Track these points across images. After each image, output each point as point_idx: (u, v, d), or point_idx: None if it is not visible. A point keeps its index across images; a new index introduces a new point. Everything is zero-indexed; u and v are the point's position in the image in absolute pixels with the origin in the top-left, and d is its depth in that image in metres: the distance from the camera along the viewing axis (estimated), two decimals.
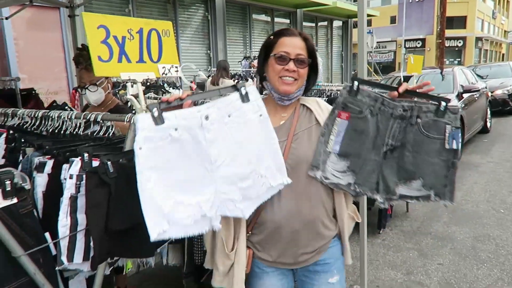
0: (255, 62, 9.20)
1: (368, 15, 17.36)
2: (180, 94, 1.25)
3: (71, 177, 1.23)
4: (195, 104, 1.24)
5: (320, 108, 1.53)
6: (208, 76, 6.54)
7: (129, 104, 3.05)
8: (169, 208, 1.17)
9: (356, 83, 1.36)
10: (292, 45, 1.43)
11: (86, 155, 1.22)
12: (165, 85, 5.18)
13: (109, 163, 1.22)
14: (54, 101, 2.37)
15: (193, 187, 1.22)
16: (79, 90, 2.20)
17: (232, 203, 1.27)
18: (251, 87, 1.27)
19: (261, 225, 1.43)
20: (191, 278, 2.90)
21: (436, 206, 4.60)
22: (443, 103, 1.34)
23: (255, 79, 8.06)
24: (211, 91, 1.32)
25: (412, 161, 1.40)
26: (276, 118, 1.49)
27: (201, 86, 6.11)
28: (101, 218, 1.21)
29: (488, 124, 9.00)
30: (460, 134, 1.38)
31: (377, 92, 1.41)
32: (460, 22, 32.61)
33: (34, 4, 4.43)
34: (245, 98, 1.26)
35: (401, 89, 1.37)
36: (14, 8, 5.05)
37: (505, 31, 46.32)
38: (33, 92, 3.59)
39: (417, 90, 1.38)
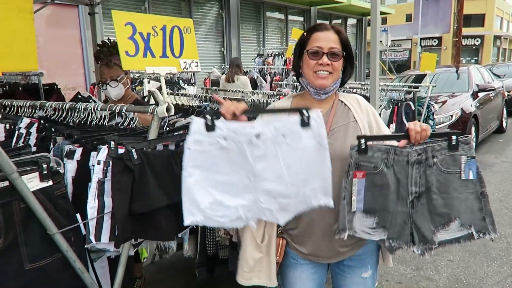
0: (269, 60, 9.29)
1: (383, 13, 17.25)
2: (236, 105, 1.28)
3: (98, 163, 1.33)
4: (249, 118, 1.30)
5: (360, 106, 1.53)
6: (222, 73, 6.63)
7: (146, 99, 3.15)
8: (207, 205, 1.24)
9: (363, 141, 1.33)
10: (325, 39, 1.44)
11: (112, 143, 1.32)
12: (180, 81, 5.29)
13: (133, 150, 1.32)
14: (78, 93, 2.49)
15: (234, 191, 1.28)
16: (99, 85, 2.30)
17: (269, 212, 1.31)
18: (316, 112, 1.27)
19: (296, 219, 1.40)
20: (203, 268, 3.01)
21: None
22: (454, 137, 1.32)
23: (267, 77, 8.06)
24: (276, 112, 1.35)
25: (442, 203, 1.35)
26: None
27: (215, 83, 6.21)
28: (125, 201, 1.30)
29: (504, 124, 8.89)
30: (476, 163, 1.35)
31: (387, 144, 1.38)
32: (478, 20, 32.04)
33: (55, 2, 4.58)
34: (305, 123, 1.26)
35: (401, 144, 1.34)
36: (35, 6, 5.23)
37: None
38: (55, 87, 3.73)
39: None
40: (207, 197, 1.24)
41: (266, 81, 7.72)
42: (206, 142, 1.22)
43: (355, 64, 17.35)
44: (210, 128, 1.21)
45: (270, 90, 5.75)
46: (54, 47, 7.12)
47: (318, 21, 14.77)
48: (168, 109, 1.37)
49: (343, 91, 4.39)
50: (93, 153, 1.38)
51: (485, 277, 3.06)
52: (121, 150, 1.34)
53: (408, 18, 33.78)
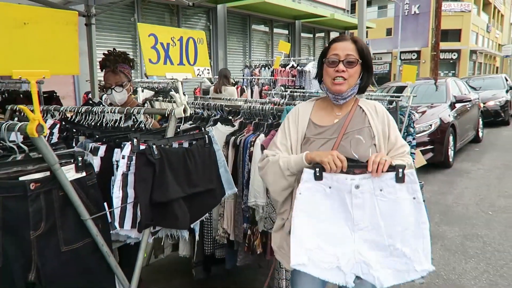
0: (257, 71, 9.54)
1: (366, 27, 17.83)
2: (342, 162, 1.39)
3: (123, 157, 1.48)
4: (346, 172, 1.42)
5: (376, 112, 1.63)
6: (212, 83, 6.82)
7: (145, 105, 3.31)
8: (312, 246, 1.38)
9: (318, 169, 1.42)
10: (342, 48, 1.55)
11: (135, 140, 1.47)
12: (172, 90, 5.45)
13: (154, 146, 1.48)
14: (90, 99, 2.63)
15: (335, 240, 1.40)
16: (105, 90, 2.43)
17: (367, 267, 1.38)
18: (410, 170, 1.39)
19: None
20: (200, 267, 3.14)
21: (428, 208, 4.86)
22: (400, 170, 1.39)
23: (256, 87, 8.25)
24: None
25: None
26: (331, 116, 1.64)
27: (206, 92, 6.39)
28: (147, 191, 1.46)
29: (480, 134, 9.32)
30: (420, 189, 1.42)
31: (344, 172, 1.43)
32: (455, 35, 33.29)
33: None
34: (400, 179, 1.38)
35: (369, 167, 1.41)
36: None
37: (499, 44, 47.23)
38: (55, 94, 3.84)
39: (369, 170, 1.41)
40: (312, 241, 1.39)
41: (253, 91, 7.95)
42: (314, 189, 1.41)
43: None
44: (318, 178, 1.41)
45: (260, 98, 5.95)
46: None
47: (303, 34, 15.19)
48: (185, 110, 1.54)
49: None
50: (117, 150, 1.53)
51: (463, 273, 3.29)
52: (141, 147, 1.50)
53: (388, 32, 34.84)
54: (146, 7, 9.44)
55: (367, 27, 17.40)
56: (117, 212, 1.47)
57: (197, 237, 2.20)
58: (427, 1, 31.57)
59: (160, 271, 3.48)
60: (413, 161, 4.49)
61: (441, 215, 4.64)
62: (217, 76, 6.02)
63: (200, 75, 1.63)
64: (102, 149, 1.58)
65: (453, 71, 33.77)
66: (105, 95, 2.53)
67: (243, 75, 8.89)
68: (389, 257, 1.39)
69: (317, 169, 1.41)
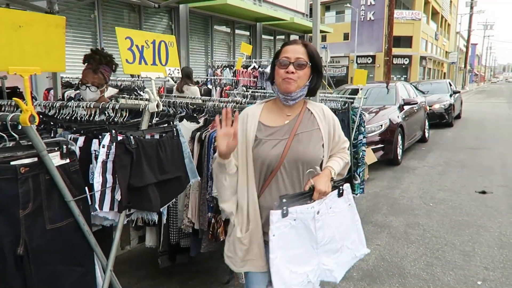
0: (218, 71, 9.73)
1: (323, 31, 18.50)
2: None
3: (103, 146, 1.64)
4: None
5: (324, 114, 1.73)
6: (175, 82, 6.94)
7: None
8: (287, 276, 1.56)
9: (285, 208, 1.53)
10: (293, 51, 1.62)
11: (113, 131, 1.64)
12: (136, 89, 5.54)
13: (131, 137, 1.66)
14: (70, 97, 2.71)
15: (303, 260, 1.60)
16: (79, 85, 2.53)
17: (329, 272, 1.67)
18: (346, 185, 1.70)
19: (262, 209, 1.65)
20: (165, 256, 3.30)
21: (378, 201, 5.31)
22: (341, 187, 1.70)
23: (218, 88, 8.42)
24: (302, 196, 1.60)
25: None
26: (282, 117, 1.70)
27: (169, 91, 6.50)
28: (126, 176, 1.63)
29: (426, 135, 10.06)
30: (351, 196, 1.75)
31: (299, 202, 1.58)
32: (406, 41, 35.09)
33: (12, 7, 4.65)
34: (340, 194, 1.68)
35: (314, 197, 1.59)
36: None
37: (446, 51, 50.29)
38: (18, 90, 3.84)
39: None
40: (286, 270, 1.56)
41: (215, 91, 8.14)
42: (282, 226, 1.54)
43: None
44: (285, 215, 1.53)
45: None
46: None
47: (264, 36, 15.54)
48: (157, 105, 1.73)
49: None
50: (95, 140, 1.69)
51: (405, 256, 3.68)
52: (119, 137, 1.67)
53: (346, 37, 36.12)
54: (107, 4, 9.35)
55: (325, 32, 18.07)
56: (97, 195, 1.63)
57: (163, 221, 2.37)
58: (382, 8, 33.00)
59: (126, 263, 3.59)
60: (363, 158, 4.91)
61: (389, 207, 5.07)
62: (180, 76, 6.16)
63: (171, 75, 1.82)
64: (81, 140, 1.73)
65: (405, 76, 35.53)
66: (69, 91, 2.64)
67: (207, 75, 9.05)
68: (340, 256, 1.69)
69: (285, 208, 1.52)
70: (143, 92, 5.65)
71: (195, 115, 3.28)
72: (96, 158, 1.66)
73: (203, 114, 3.29)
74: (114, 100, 3.78)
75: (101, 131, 1.72)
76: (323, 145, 1.69)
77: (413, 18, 35.03)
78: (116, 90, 4.94)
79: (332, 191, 1.65)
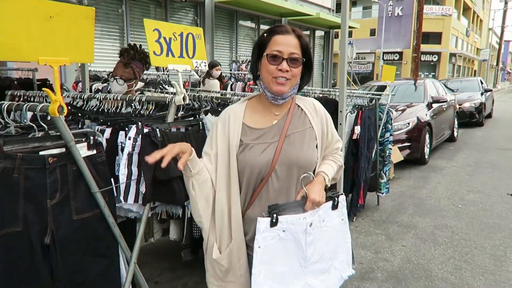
0: (243, 66, 9.69)
1: (349, 27, 18.22)
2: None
3: (129, 138, 1.65)
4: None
5: (316, 111, 1.54)
6: (200, 76, 6.98)
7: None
8: None
9: (274, 216, 1.35)
10: (286, 44, 1.39)
11: (140, 123, 1.64)
12: (162, 82, 5.58)
13: (157, 129, 1.65)
14: (98, 89, 2.77)
15: (287, 279, 1.40)
16: (109, 77, 2.56)
17: None
18: (341, 197, 1.49)
19: (250, 221, 1.46)
20: (188, 249, 3.31)
21: (404, 201, 5.17)
22: (336, 199, 1.49)
23: (240, 83, 8.41)
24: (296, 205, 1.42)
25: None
26: (269, 117, 1.49)
27: (194, 85, 6.54)
28: (150, 169, 1.63)
29: (455, 134, 9.74)
30: (345, 210, 1.55)
31: (291, 212, 1.40)
32: (435, 38, 34.09)
33: None
34: (335, 206, 1.47)
35: (306, 207, 1.40)
36: None
37: (477, 48, 48.59)
38: (48, 82, 3.93)
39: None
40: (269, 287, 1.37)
41: (236, 87, 8.12)
42: (269, 237, 1.35)
43: (322, 74, 18.26)
44: (274, 224, 1.34)
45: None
46: None
47: None
48: (184, 98, 1.71)
49: (314, 96, 4.83)
50: (121, 132, 1.70)
51: (432, 258, 3.56)
52: (145, 130, 1.67)
53: (372, 32, 35.40)
54: None
55: (351, 27, 17.78)
56: (122, 187, 1.64)
57: (187, 215, 2.36)
58: (410, 4, 32.23)
59: (149, 254, 3.64)
60: (390, 156, 4.79)
61: (415, 207, 4.93)
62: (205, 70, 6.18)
63: (198, 67, 1.81)
64: (108, 132, 1.74)
65: (433, 73, 34.58)
66: (97, 83, 2.67)
67: (231, 70, 9.05)
68: (328, 277, 1.50)
69: (274, 216, 1.33)
70: (168, 86, 5.69)
71: (219, 109, 3.27)
72: (122, 150, 1.67)
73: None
74: (140, 93, 3.83)
75: (128, 123, 1.72)
76: (317, 145, 1.51)
77: (443, 14, 33.97)
78: (142, 84, 4.99)
79: (326, 201, 1.46)
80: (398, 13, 34.18)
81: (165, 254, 3.64)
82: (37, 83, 3.81)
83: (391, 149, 4.80)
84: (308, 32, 17.00)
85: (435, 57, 34.64)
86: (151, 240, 3.60)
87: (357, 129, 4.00)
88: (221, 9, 12.12)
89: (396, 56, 34.38)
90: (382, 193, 4.82)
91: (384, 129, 4.69)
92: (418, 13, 17.11)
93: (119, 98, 1.95)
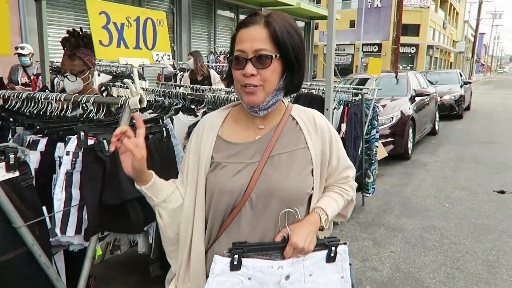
0: (221, 58, 9.27)
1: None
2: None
3: (67, 153, 1.29)
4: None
5: (316, 126, 1.20)
6: (175, 69, 6.52)
7: (104, 94, 3.05)
8: None
9: (236, 257, 1.05)
10: (249, 39, 1.06)
11: (82, 133, 1.28)
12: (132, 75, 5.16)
13: (105, 141, 1.30)
14: (45, 85, 2.37)
15: None
16: (58, 76, 2.18)
17: None
18: (343, 248, 1.16)
19: None
20: (157, 264, 2.98)
21: (389, 200, 4.95)
22: (333, 248, 1.15)
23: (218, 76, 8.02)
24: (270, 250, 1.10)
25: None
26: (251, 131, 1.19)
27: (168, 78, 6.10)
28: (95, 192, 1.28)
29: (437, 127, 9.66)
30: (350, 270, 1.21)
31: (263, 257, 1.08)
32: (414, 30, 34.33)
33: None
34: (331, 258, 1.15)
35: (286, 253, 1.09)
36: None
37: (453, 40, 49.38)
38: None
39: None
40: None
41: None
42: (228, 282, 1.05)
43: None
44: (235, 267, 1.05)
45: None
46: None
47: None
48: (140, 101, 1.36)
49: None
50: (59, 144, 1.34)
51: (422, 266, 3.34)
52: (90, 141, 1.31)
53: (352, 24, 35.39)
54: None
55: None
56: (58, 216, 1.28)
57: (150, 240, 2.02)
58: None
59: (116, 267, 3.28)
60: (376, 154, 4.54)
61: (401, 207, 4.72)
62: (181, 62, 5.72)
63: (159, 61, 1.45)
64: (43, 143, 1.37)
65: (412, 65, 34.93)
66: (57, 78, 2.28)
67: (208, 61, 8.63)
68: None
69: (236, 256, 1.04)
70: (140, 79, 5.25)
71: (193, 107, 2.92)
72: (61, 167, 1.30)
73: (202, 106, 2.93)
74: (104, 88, 3.41)
75: (69, 132, 1.36)
76: (312, 171, 1.17)
77: (421, 6, 34.21)
78: (109, 77, 4.56)
79: (317, 250, 1.13)
80: (377, 5, 34.24)
81: (133, 268, 3.29)
82: None
83: (377, 146, 4.56)
84: None
85: (413, 49, 34.94)
86: (118, 253, 3.25)
87: (344, 126, 3.72)
88: None
89: (375, 48, 34.51)
90: (369, 194, 4.58)
91: (370, 126, 4.43)
92: (398, 4, 17.00)
93: (62, 98, 1.57)
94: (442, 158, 7.21)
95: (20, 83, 5.12)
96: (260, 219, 1.11)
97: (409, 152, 7.14)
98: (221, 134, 1.19)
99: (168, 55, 1.48)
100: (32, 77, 4.97)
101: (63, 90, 2.63)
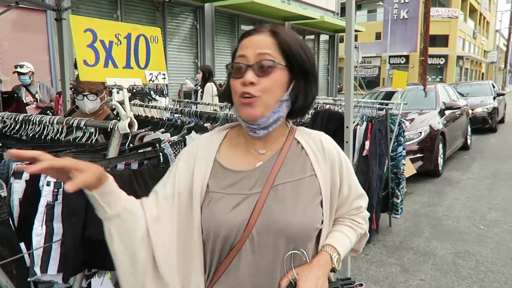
0: None
1: (355, 31, 17.78)
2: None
3: (48, 184, 1.18)
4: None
5: (324, 151, 1.06)
6: (196, 85, 6.50)
7: (115, 112, 3.00)
8: None
9: None
10: (253, 45, 0.96)
11: None
12: (152, 92, 5.13)
13: None
14: (76, 106, 2.36)
15: None
16: (74, 95, 2.15)
17: None
18: None
19: None
20: None
21: (418, 221, 4.65)
22: None
23: None
24: None
25: None
26: (251, 157, 1.05)
27: (187, 94, 6.06)
28: (77, 227, 1.16)
29: (469, 141, 9.19)
30: None
31: None
32: (442, 40, 33.57)
33: (21, 6, 4.36)
34: None
35: None
36: None
37: (484, 51, 47.88)
38: (15, 95, 3.50)
39: None
40: None
41: None
42: None
43: (328, 79, 17.75)
44: None
45: None
46: (20, 52, 6.82)
47: None
48: (130, 125, 1.24)
49: (317, 107, 4.33)
50: None
51: None
52: None
53: (378, 36, 35.01)
54: (130, 3, 9.08)
55: (357, 31, 17.30)
56: (38, 253, 1.17)
57: None
58: (416, 6, 31.81)
59: None
60: (403, 173, 4.28)
61: (432, 229, 4.41)
62: (199, 79, 5.68)
63: (152, 81, 1.34)
64: None
65: (441, 76, 34.09)
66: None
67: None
68: None
69: None
70: (160, 95, 5.23)
71: (207, 125, 2.81)
72: (41, 199, 1.19)
73: (217, 124, 2.81)
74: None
75: None
76: (321, 202, 1.02)
77: (449, 16, 33.48)
78: (128, 94, 4.54)
79: None
80: (403, 16, 33.77)
81: None
82: (4, 96, 3.39)
83: (404, 164, 4.29)
84: (312, 37, 16.56)
85: (442, 60, 34.10)
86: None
87: (367, 144, 3.51)
88: (221, 13, 11.71)
89: (402, 59, 33.91)
90: (398, 215, 4.30)
91: (396, 143, 4.19)
92: (425, 15, 16.63)
93: (55, 122, 1.48)
94: (475, 175, 6.79)
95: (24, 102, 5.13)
96: (263, 259, 0.96)
97: (440, 168, 6.78)
98: (218, 158, 1.05)
99: (163, 74, 1.36)
100: (55, 96, 5.02)
101: (73, 111, 2.59)
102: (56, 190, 1.19)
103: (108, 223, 0.94)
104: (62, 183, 1.18)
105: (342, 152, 1.10)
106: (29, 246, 1.18)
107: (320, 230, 1.03)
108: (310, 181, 1.01)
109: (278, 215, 0.95)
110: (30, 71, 4.87)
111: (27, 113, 3.83)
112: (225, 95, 1.06)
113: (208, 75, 5.46)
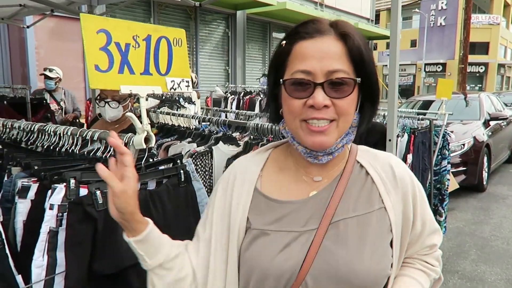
0: None
1: (389, 37, 17.25)
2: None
3: (51, 207, 1.03)
4: None
5: (395, 178, 0.86)
6: (225, 92, 6.37)
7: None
8: None
9: None
10: (320, 55, 0.76)
11: (72, 181, 1.02)
12: (181, 99, 5.03)
13: (98, 192, 1.02)
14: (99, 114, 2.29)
15: None
16: (96, 101, 2.06)
17: None
18: None
19: None
20: None
21: (463, 241, 4.27)
22: None
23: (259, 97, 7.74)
24: None
25: None
26: (303, 184, 0.86)
27: (217, 102, 5.94)
28: (82, 259, 1.00)
29: None
30: None
31: None
32: (482, 48, 32.20)
33: (56, 14, 4.40)
34: None
35: None
36: (36, 17, 5.09)
37: None
38: (44, 101, 3.48)
39: None
40: None
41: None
42: None
43: None
44: None
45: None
46: (55, 59, 6.97)
47: None
48: (147, 139, 1.08)
49: None
50: (50, 192, 1.08)
51: None
52: (83, 190, 1.04)
53: (413, 43, 34.07)
54: (163, 11, 9.16)
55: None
56: (38, 287, 1.02)
57: None
58: (454, 13, 30.76)
59: None
60: (448, 189, 3.94)
61: (478, 251, 4.03)
62: (233, 85, 5.56)
63: (174, 89, 1.17)
64: (33, 189, 1.13)
65: (480, 85, 32.69)
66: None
67: (260, 84, 8.46)
68: None
69: None
70: (189, 103, 5.12)
71: (235, 135, 2.65)
72: (42, 225, 1.04)
73: (247, 134, 2.65)
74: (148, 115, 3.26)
75: (63, 177, 1.10)
76: (391, 243, 0.82)
77: (490, 23, 32.05)
78: (157, 102, 4.45)
79: None
80: (441, 23, 32.68)
81: None
82: (33, 102, 3.37)
83: (449, 179, 3.95)
84: None
85: (481, 68, 32.67)
86: None
87: (410, 157, 3.22)
88: (253, 20, 11.63)
89: (439, 67, 32.77)
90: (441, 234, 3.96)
91: (440, 156, 3.86)
92: (465, 22, 15.97)
93: (69, 133, 1.35)
94: None
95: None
96: None
97: (484, 183, 6.31)
98: (259, 187, 0.86)
99: (187, 81, 1.19)
100: (85, 102, 5.02)
101: (96, 119, 2.50)
102: (60, 214, 1.04)
103: (150, 274, 0.83)
104: (67, 206, 1.03)
105: (415, 179, 0.89)
106: (28, 279, 1.03)
107: (387, 278, 0.82)
108: (379, 216, 0.82)
109: (340, 260, 0.76)
110: (58, 77, 4.70)
111: (56, 121, 3.79)
112: (267, 109, 0.88)
113: None
